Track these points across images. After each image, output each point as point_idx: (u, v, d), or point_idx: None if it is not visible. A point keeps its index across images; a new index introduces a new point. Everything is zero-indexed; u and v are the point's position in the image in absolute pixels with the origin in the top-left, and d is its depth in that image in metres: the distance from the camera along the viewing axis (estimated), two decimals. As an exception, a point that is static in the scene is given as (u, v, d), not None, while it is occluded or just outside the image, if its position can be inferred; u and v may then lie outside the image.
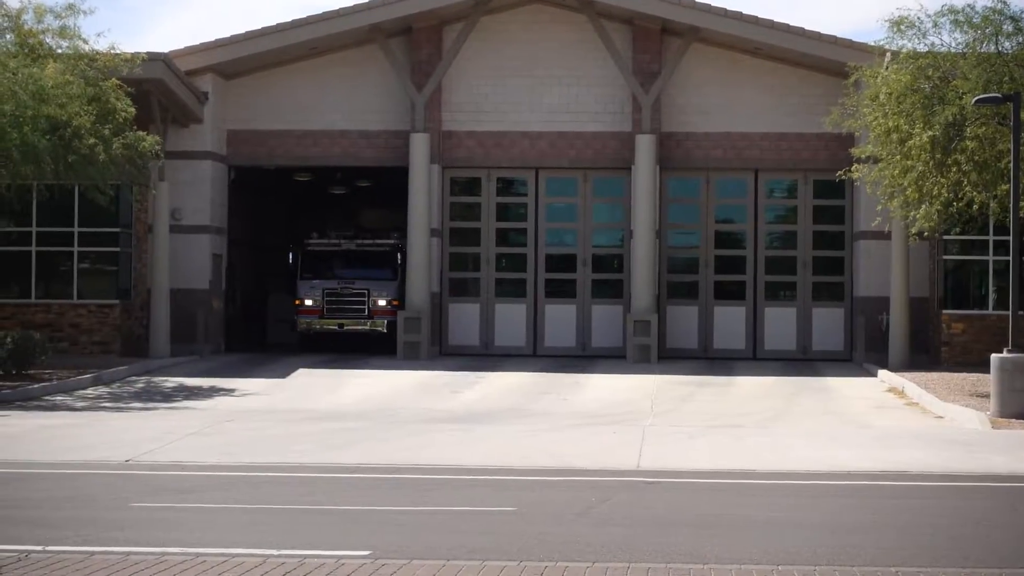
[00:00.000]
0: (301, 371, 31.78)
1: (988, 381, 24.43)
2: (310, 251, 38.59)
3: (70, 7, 28.67)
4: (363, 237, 39.16)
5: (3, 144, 26.46)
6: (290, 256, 39.47)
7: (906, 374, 29.78)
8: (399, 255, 37.83)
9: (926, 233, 28.36)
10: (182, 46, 34.75)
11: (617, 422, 23.32)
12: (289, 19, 34.91)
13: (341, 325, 37.37)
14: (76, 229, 33.81)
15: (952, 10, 26.22)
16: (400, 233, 38.02)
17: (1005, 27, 26.14)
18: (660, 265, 35.54)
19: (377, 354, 35.86)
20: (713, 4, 34.24)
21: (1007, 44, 26.25)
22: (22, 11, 28.77)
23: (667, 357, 34.82)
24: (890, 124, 26.41)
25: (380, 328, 37.20)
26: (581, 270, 36.31)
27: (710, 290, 36.12)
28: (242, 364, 33.54)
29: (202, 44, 35.01)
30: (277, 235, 44.24)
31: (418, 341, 34.59)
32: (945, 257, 33.30)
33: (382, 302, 37.33)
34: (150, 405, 25.72)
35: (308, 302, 37.55)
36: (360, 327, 37.42)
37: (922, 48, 26.52)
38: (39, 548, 12.03)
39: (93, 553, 11.87)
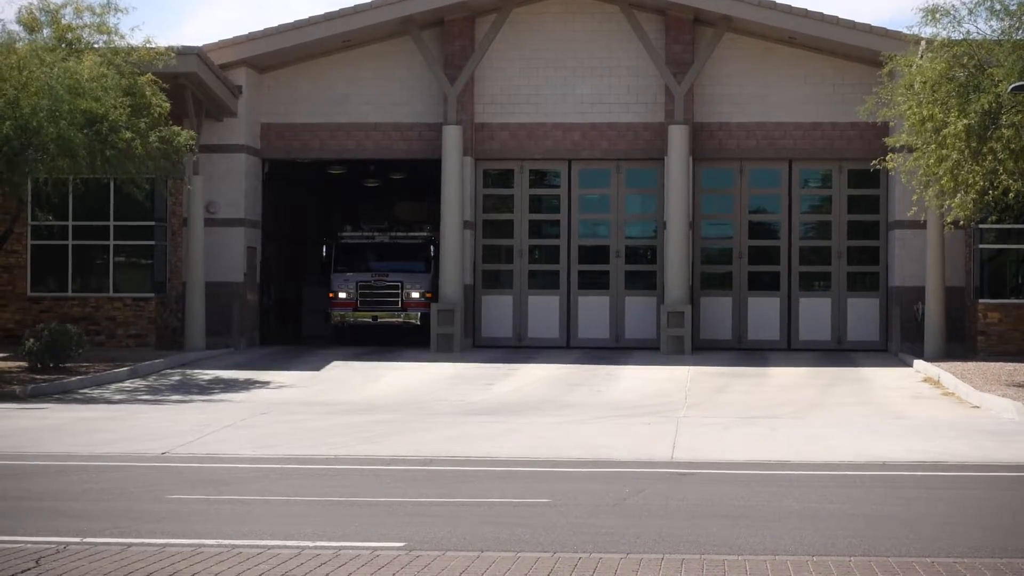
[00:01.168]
0: (336, 363, 31.86)
1: (1025, 371, 24.30)
2: (344, 244, 38.70)
3: (109, 5, 28.82)
4: (396, 230, 39.24)
5: (40, 138, 26.62)
6: (324, 249, 39.56)
7: (942, 364, 29.63)
8: (432, 247, 37.89)
9: (961, 222, 28.21)
10: (215, 40, 34.88)
11: (651, 413, 23.31)
12: (322, 12, 35.04)
13: (375, 318, 37.44)
14: (112, 223, 34.01)
15: (988, -4, 26.04)
16: (433, 225, 38.05)
17: (1041, 14, 25.94)
18: (694, 256, 35.46)
19: (411, 346, 35.91)
20: (746, -7, 34.16)
21: (1043, 31, 26.04)
22: (62, 6, 28.93)
23: (701, 348, 34.76)
24: (925, 113, 26.26)
25: (413, 320, 37.26)
26: (614, 261, 36.27)
27: (744, 281, 36.02)
28: (277, 357, 33.65)
29: (235, 38, 35.12)
30: (311, 228, 44.32)
31: (451, 333, 34.61)
32: (981, 246, 33.13)
33: (415, 294, 37.39)
34: (186, 398, 25.84)
35: (342, 295, 37.66)
36: (393, 319, 37.51)
37: (957, 36, 26.35)
38: (77, 540, 12.11)
39: (130, 545, 11.94)
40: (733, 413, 23.37)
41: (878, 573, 10.88)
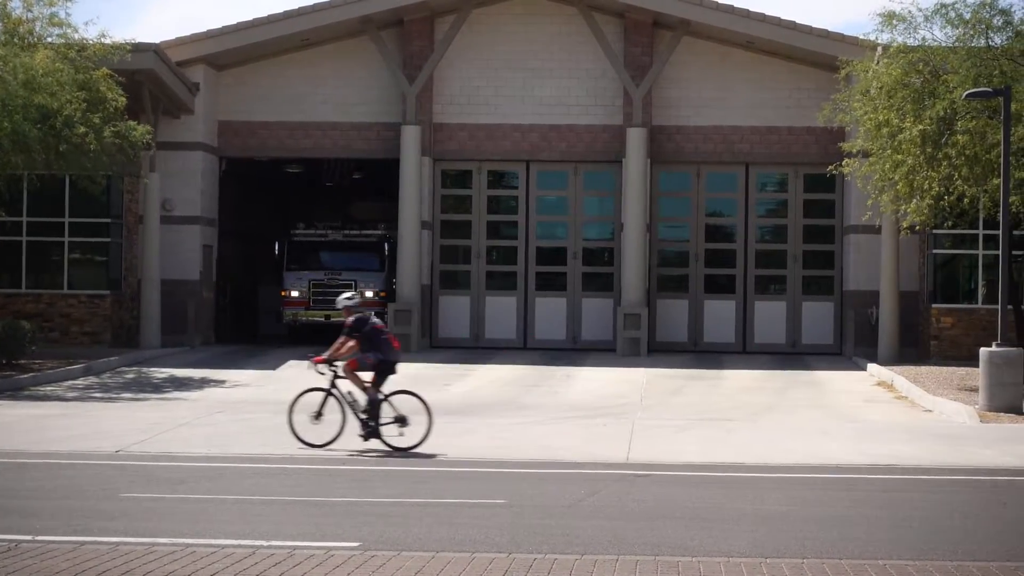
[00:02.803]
0: (291, 363, 31.75)
1: (977, 375, 24.50)
2: (296, 242, 38.45)
3: None
4: (350, 228, 38.96)
5: (-8, 133, 26.41)
6: (276, 246, 39.11)
7: (895, 368, 29.83)
8: (386, 246, 37.72)
9: (917, 227, 28.42)
10: (173, 36, 34.71)
11: (607, 415, 23.36)
12: (281, 10, 34.92)
13: (327, 316, 36.98)
14: (67, 219, 33.77)
15: (943, 5, 26.25)
16: (387, 224, 37.92)
17: (995, 21, 26.18)
18: (650, 258, 35.56)
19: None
20: (705, -3, 34.29)
21: (997, 38, 26.29)
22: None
23: (657, 350, 34.85)
24: (880, 118, 26.45)
25: None
26: (572, 263, 36.32)
27: (700, 283, 36.14)
28: (232, 355, 33.52)
29: (193, 35, 34.98)
30: (268, 227, 44.16)
31: (408, 333, 34.56)
32: (935, 251, 33.36)
33: (369, 293, 37.04)
34: (140, 396, 25.71)
35: (294, 293, 37.45)
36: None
37: (913, 42, 26.55)
38: (29, 538, 12.03)
39: (83, 543, 11.87)
40: (688, 415, 23.44)
41: (831, 575, 10.94)
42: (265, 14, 35.07)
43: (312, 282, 37.43)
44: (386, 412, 18.76)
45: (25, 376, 27.04)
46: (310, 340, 37.34)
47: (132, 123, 29.03)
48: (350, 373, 18.81)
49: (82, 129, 27.30)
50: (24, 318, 31.13)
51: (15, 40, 28.21)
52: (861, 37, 29.87)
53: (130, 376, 28.96)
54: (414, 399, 18.83)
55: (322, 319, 37.30)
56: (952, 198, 26.80)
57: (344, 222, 39.82)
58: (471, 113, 35.89)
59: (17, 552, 11.44)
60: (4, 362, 28.28)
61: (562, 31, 35.73)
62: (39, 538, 12.05)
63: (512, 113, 35.79)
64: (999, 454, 18.75)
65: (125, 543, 11.90)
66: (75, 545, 11.79)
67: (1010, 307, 24.38)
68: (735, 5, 34.19)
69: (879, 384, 28.73)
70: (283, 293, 37.82)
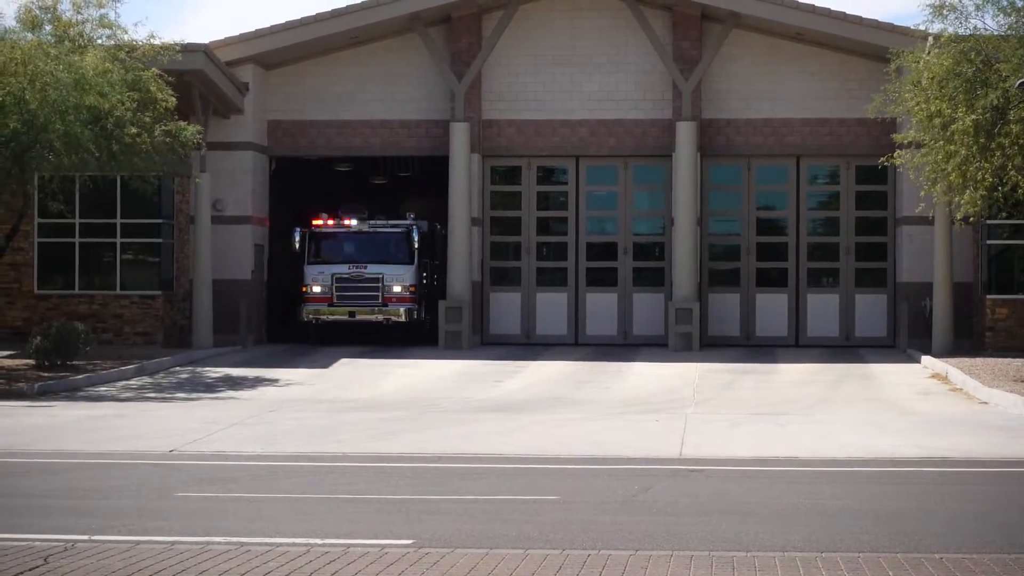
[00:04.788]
0: (343, 361, 31.86)
1: (1033, 367, 24.27)
2: (318, 233, 36.23)
3: None
4: (376, 218, 36.79)
5: (45, 135, 26.59)
6: (296, 238, 36.10)
7: (950, 360, 29.59)
8: (416, 236, 35.72)
9: (972, 219, 28.17)
10: (222, 36, 34.86)
11: (659, 410, 23.29)
12: (329, 9, 35.00)
13: (352, 314, 35.15)
14: (119, 220, 33.99)
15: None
16: (417, 215, 36.97)
17: (1048, 9, 25.90)
18: (701, 252, 35.42)
19: (409, 344, 35.39)
20: (753, -11, 34.12)
21: (1050, 27, 26.00)
22: (58, 1, 28.89)
23: (709, 345, 34.72)
24: (932, 109, 26.22)
25: (397, 317, 35.11)
26: (622, 258, 36.23)
27: (752, 277, 35.99)
28: (284, 354, 33.62)
29: (242, 35, 35.13)
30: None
31: (459, 331, 34.57)
32: (989, 242, 33.07)
33: (397, 288, 35.19)
34: (194, 395, 25.85)
35: (316, 288, 35.26)
36: (373, 316, 35.16)
37: (964, 32, 26.31)
38: (85, 538, 12.11)
39: (139, 543, 11.94)
40: (742, 410, 23.35)
41: (887, 569, 10.85)
42: (313, 13, 35.20)
43: (336, 276, 35.39)
44: None
45: (80, 377, 27.24)
46: (332, 340, 35.82)
47: (182, 123, 29.16)
48: None
49: (134, 130, 27.44)
50: (78, 319, 31.35)
51: (66, 43, 28.40)
52: (911, 27, 29.66)
53: (183, 376, 29.13)
54: None
55: (346, 316, 35.35)
56: (1006, 188, 26.54)
57: (370, 212, 37.23)
58: (519, 109, 35.87)
59: (74, 552, 11.52)
60: (59, 363, 28.49)
61: (609, 25, 35.65)
62: (95, 537, 12.12)
63: (560, 108, 35.75)
64: (1057, 446, 18.57)
65: (180, 542, 11.96)
66: (130, 544, 11.85)
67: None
68: (784, -3, 34.04)
69: (933, 376, 28.51)
70: (303, 288, 35.60)
